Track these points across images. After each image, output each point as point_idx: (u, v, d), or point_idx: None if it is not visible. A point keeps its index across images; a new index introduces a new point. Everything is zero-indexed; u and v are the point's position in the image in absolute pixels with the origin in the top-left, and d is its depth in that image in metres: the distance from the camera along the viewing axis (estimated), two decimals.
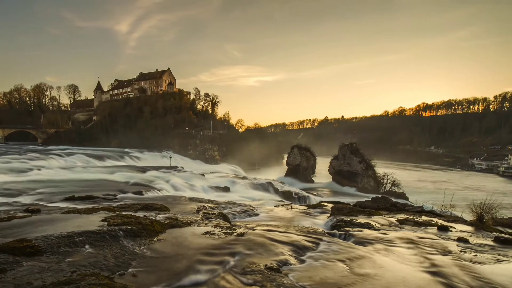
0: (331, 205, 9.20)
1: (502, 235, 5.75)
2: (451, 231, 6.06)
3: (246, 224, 6.36)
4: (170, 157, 59.57)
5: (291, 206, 10.02)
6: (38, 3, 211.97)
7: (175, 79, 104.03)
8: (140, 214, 6.42)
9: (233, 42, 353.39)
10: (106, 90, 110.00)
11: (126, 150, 68.72)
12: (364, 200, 10.92)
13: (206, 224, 5.91)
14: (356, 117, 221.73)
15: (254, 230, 5.50)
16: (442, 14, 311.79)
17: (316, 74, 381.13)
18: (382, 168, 62.25)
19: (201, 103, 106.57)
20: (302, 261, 4.06)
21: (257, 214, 8.50)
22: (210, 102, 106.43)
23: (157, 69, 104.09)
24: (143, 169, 35.60)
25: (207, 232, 5.06)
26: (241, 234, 5.01)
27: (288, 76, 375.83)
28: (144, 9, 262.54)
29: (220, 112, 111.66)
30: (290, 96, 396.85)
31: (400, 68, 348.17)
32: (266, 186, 36.96)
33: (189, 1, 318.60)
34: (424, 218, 7.41)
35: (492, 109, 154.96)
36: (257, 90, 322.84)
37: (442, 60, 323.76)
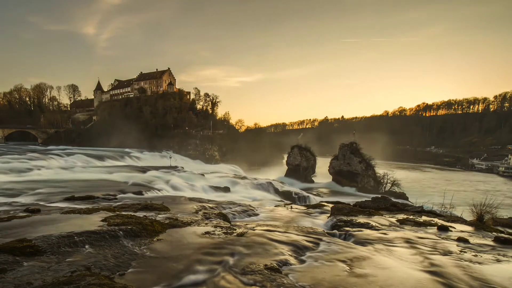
0: (331, 205, 9.21)
1: (502, 235, 5.75)
2: (451, 231, 6.06)
3: (246, 224, 6.37)
4: (170, 157, 59.59)
5: (291, 206, 10.02)
6: (8, 7, 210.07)
7: (175, 79, 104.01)
8: (140, 214, 6.43)
9: (202, 43, 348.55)
10: (106, 90, 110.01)
11: (126, 150, 68.73)
12: (364, 200, 10.93)
13: (206, 224, 5.91)
14: (356, 117, 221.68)
15: (254, 230, 5.50)
16: (439, 10, 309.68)
17: (291, 74, 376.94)
18: (382, 168, 62.24)
19: (201, 103, 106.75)
20: (302, 261, 4.06)
21: (257, 214, 8.51)
22: (210, 102, 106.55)
23: (157, 69, 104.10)
24: (143, 169, 35.59)
25: (207, 232, 5.07)
26: (241, 234, 5.02)
27: (268, 76, 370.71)
28: (106, 12, 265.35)
29: (220, 112, 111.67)
30: (278, 95, 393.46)
31: (400, 66, 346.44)
32: (266, 186, 36.93)
33: (149, 2, 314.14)
34: (424, 218, 7.42)
35: (492, 109, 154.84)
36: (239, 90, 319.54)
37: (442, 59, 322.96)
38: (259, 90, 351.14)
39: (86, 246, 3.91)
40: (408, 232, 5.83)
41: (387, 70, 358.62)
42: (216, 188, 29.18)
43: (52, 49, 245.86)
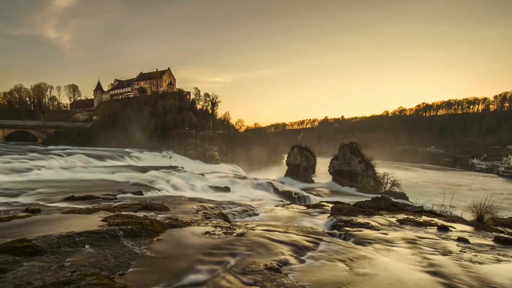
0: (331, 205, 9.20)
1: (502, 235, 5.75)
2: (451, 231, 6.06)
3: (246, 224, 6.36)
4: (170, 157, 59.52)
5: (291, 206, 10.02)
6: None
7: (175, 79, 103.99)
8: (140, 214, 6.42)
9: (167, 45, 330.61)
10: (106, 90, 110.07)
11: (126, 150, 68.59)
12: (364, 200, 10.92)
13: (206, 224, 5.91)
14: (356, 117, 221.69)
15: (254, 230, 5.50)
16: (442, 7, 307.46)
17: (268, 73, 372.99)
18: (382, 168, 62.20)
19: (201, 103, 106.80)
20: (302, 261, 4.06)
21: (257, 214, 8.50)
22: (210, 102, 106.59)
23: (157, 69, 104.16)
24: (143, 169, 35.55)
25: (207, 232, 5.06)
26: (241, 234, 5.01)
27: (248, 76, 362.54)
28: (60, 16, 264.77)
29: (220, 112, 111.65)
30: (269, 95, 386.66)
31: (400, 65, 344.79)
32: (266, 186, 36.89)
33: (100, 4, 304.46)
34: (424, 218, 7.42)
35: (492, 109, 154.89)
36: (220, 90, 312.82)
37: (441, 59, 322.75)
38: (242, 90, 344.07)
39: (86, 246, 3.90)
40: (408, 232, 5.83)
41: (386, 69, 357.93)
42: (216, 188, 29.15)
43: (19, 53, 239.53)
